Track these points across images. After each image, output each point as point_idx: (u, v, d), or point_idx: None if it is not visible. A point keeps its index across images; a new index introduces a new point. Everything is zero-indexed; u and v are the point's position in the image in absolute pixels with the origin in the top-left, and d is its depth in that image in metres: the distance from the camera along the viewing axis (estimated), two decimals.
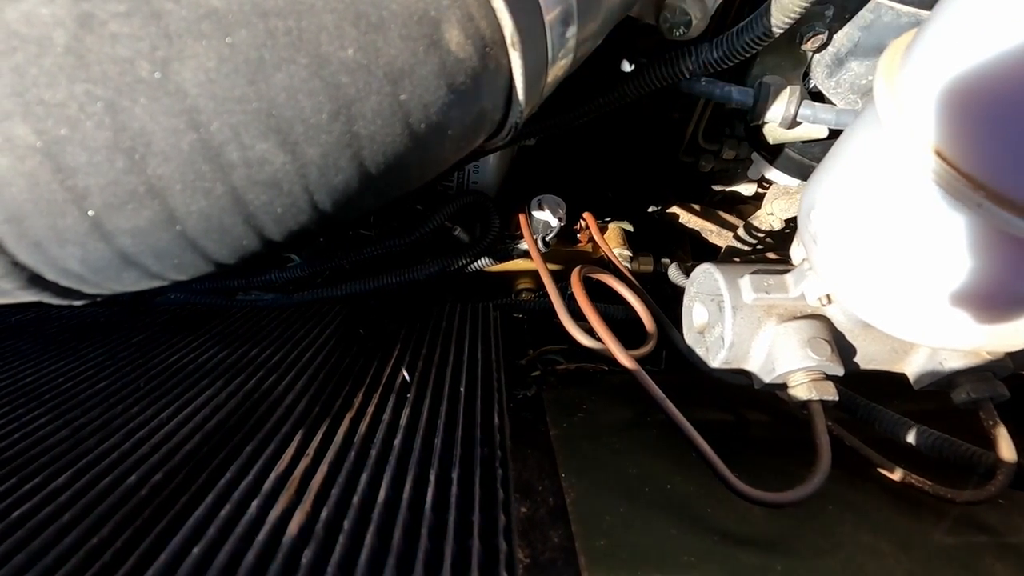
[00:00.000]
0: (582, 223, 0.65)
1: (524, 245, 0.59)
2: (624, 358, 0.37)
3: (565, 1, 0.23)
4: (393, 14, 0.19)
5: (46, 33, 0.16)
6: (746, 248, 0.64)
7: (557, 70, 0.27)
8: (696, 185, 0.73)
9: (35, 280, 0.19)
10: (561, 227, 0.60)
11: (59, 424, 0.31)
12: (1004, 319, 0.29)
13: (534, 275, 0.65)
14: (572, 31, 0.25)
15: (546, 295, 0.48)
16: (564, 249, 0.66)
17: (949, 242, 0.25)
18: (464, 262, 0.60)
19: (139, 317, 0.53)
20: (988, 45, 0.21)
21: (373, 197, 0.23)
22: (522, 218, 0.57)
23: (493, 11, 0.21)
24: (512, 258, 0.62)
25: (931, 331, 0.30)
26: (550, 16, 0.23)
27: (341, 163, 0.20)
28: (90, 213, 0.18)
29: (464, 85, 0.21)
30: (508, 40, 0.21)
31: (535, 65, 0.24)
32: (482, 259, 0.60)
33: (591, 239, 0.65)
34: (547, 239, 0.60)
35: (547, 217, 0.59)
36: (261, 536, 0.23)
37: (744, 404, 0.43)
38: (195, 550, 0.22)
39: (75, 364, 0.40)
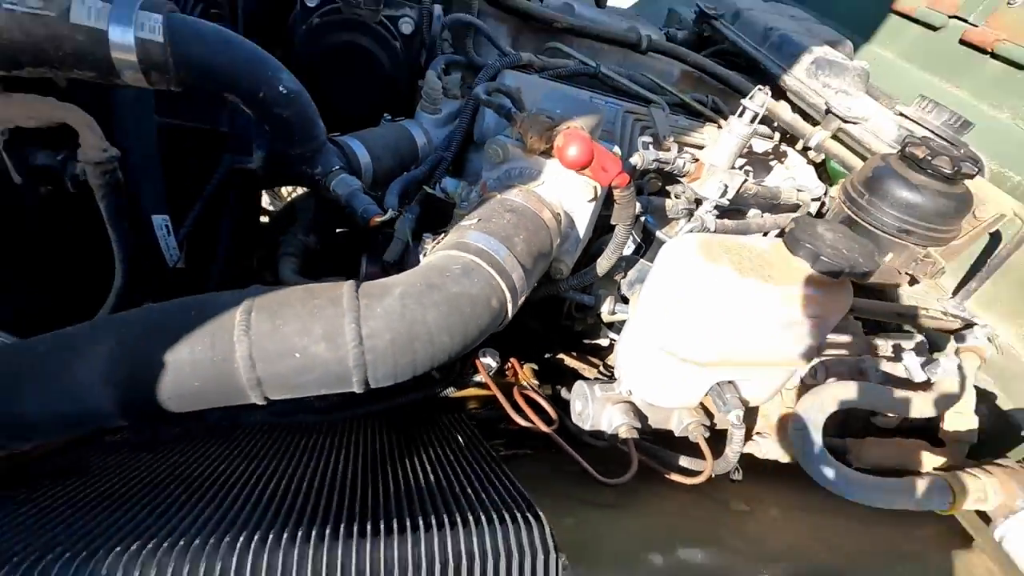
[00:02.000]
0: (509, 364, 1.05)
1: (478, 377, 0.97)
2: (542, 424, 0.74)
3: (522, 281, 0.65)
4: (472, 301, 0.58)
5: None
6: (606, 375, 1.07)
7: (520, 301, 0.68)
8: (574, 339, 1.18)
9: None
10: (497, 367, 0.99)
11: None
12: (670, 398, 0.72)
13: (479, 398, 1.02)
14: (526, 288, 0.67)
15: (490, 408, 0.84)
16: (498, 380, 1.04)
17: (650, 366, 0.68)
18: (439, 390, 0.96)
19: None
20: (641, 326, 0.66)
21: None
22: (477, 363, 0.95)
23: (504, 291, 0.62)
24: (468, 387, 0.98)
25: (661, 400, 0.72)
26: (519, 284, 0.64)
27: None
28: None
29: (493, 325, 0.60)
30: (507, 296, 0.62)
31: (513, 303, 0.64)
32: (450, 388, 0.97)
33: (515, 374, 1.04)
34: (489, 375, 0.98)
35: (489, 361, 0.98)
36: None
37: (603, 453, 0.82)
38: None
39: None
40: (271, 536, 0.47)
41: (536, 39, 1.13)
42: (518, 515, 0.50)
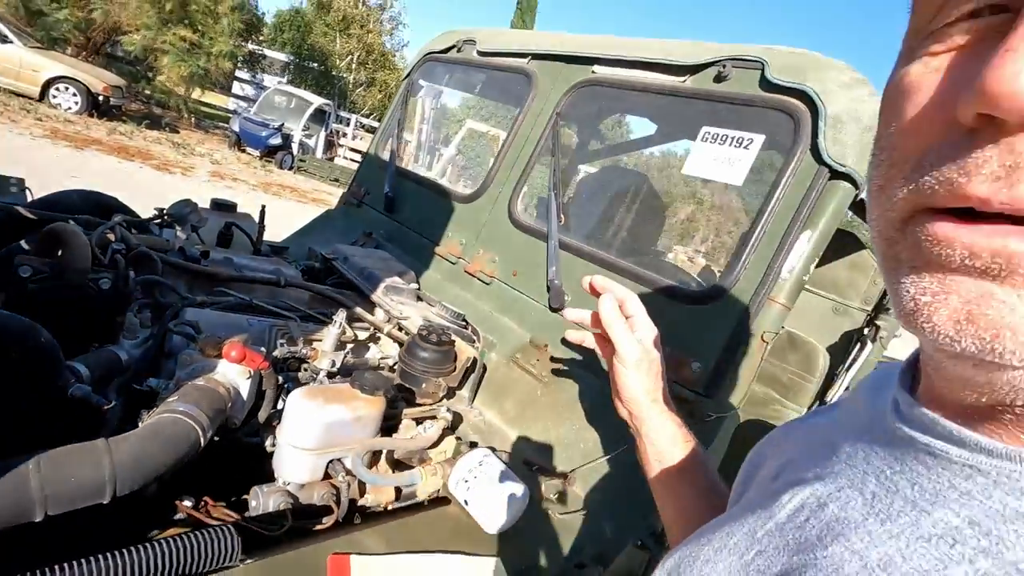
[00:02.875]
0: (204, 501, 1.45)
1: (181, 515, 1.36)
2: (227, 517, 1.23)
3: (208, 424, 1.18)
4: (178, 436, 1.09)
5: None
6: None
7: (207, 437, 1.20)
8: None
9: None
10: (192, 504, 1.39)
11: None
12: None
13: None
14: (210, 429, 1.19)
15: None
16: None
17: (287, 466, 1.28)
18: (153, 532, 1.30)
19: None
20: None
21: None
22: (178, 504, 1.35)
23: (197, 431, 1.13)
24: (171, 527, 1.35)
25: (301, 479, 1.31)
26: (206, 426, 1.17)
27: None
28: None
29: (192, 451, 1.11)
30: (200, 433, 1.14)
31: (204, 438, 1.16)
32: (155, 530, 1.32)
33: (206, 505, 1.45)
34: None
35: (187, 503, 1.38)
36: None
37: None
38: None
39: None
40: None
41: (208, 285, 1.74)
42: (221, 528, 1.00)
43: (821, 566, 0.37)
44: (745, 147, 1.67)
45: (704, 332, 1.62)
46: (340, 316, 1.59)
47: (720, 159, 1.71)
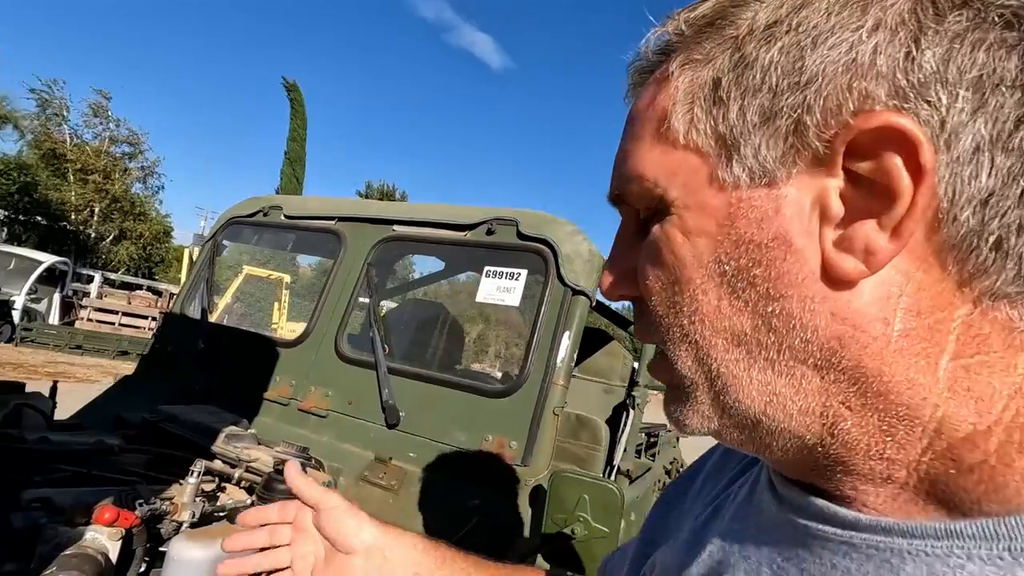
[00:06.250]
0: None
1: None
2: None
3: None
4: None
5: None
6: None
7: None
8: None
9: None
10: None
11: None
12: None
13: None
14: None
15: None
16: None
17: None
18: None
19: None
20: None
21: None
22: None
23: None
24: None
25: None
26: None
27: None
28: None
29: None
30: None
31: None
32: None
33: None
34: None
35: None
36: None
37: None
38: None
39: None
40: None
41: (35, 466, 1.68)
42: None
43: None
44: (516, 279, 2.35)
45: (513, 417, 2.14)
46: (198, 466, 1.70)
47: (501, 288, 2.36)
